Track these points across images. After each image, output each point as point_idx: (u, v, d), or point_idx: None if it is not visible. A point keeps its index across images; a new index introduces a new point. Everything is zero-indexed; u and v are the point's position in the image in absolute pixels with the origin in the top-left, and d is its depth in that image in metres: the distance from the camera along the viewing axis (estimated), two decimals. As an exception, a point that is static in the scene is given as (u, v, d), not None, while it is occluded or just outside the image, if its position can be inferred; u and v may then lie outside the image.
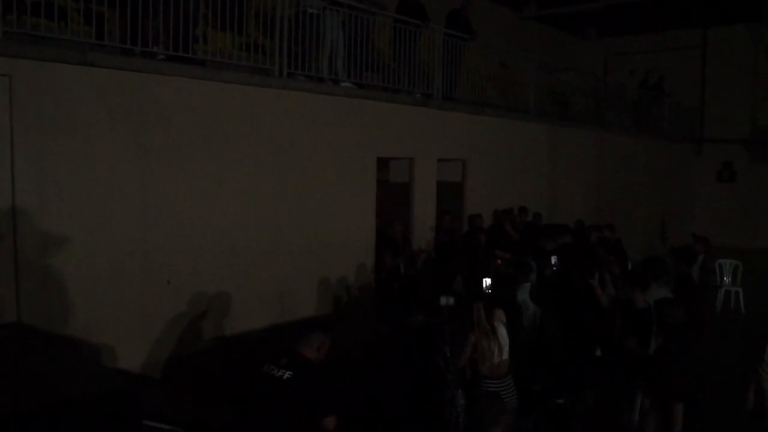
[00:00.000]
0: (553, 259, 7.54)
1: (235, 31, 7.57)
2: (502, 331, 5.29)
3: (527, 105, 12.96)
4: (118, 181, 6.26)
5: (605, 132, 15.63)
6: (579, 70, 17.21)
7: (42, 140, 5.72)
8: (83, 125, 5.99)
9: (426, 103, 10.02)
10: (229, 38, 7.72)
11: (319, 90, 8.24)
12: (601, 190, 15.42)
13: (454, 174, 11.07)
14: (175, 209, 6.70)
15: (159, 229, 6.57)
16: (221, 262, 7.11)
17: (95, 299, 6.11)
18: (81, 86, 5.98)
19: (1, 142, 5.46)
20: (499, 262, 8.64)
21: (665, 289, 6.55)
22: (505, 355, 5.29)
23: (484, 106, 11.65)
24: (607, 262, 7.90)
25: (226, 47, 7.65)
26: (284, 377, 3.99)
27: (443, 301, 5.25)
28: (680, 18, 19.88)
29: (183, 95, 6.75)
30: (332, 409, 4.05)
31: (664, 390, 4.95)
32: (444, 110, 10.32)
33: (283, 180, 7.76)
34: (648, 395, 5.27)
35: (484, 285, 5.82)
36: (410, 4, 10.21)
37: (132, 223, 6.38)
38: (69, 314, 5.93)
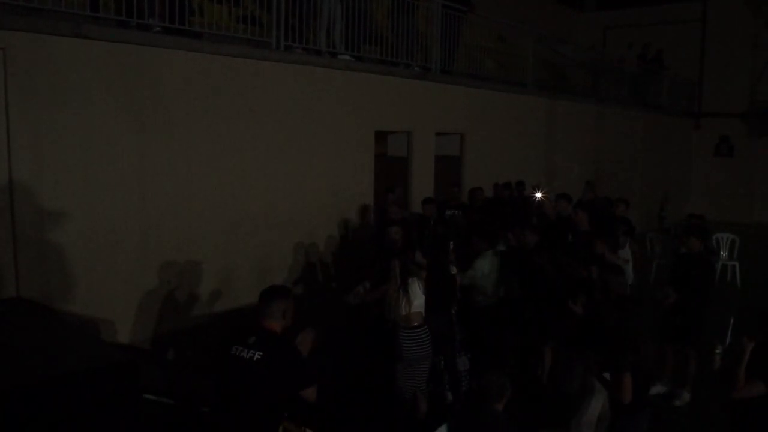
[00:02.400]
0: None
1: (231, 3, 7.48)
2: (414, 287, 5.76)
3: (525, 78, 12.88)
4: (115, 155, 6.22)
5: (603, 105, 15.57)
6: (578, 43, 17.09)
7: (38, 113, 5.66)
8: (79, 98, 5.92)
9: (424, 76, 9.94)
10: (226, 10, 7.63)
11: (316, 63, 8.16)
12: (599, 164, 15.40)
13: (452, 148, 11.03)
14: (171, 182, 6.67)
15: (155, 202, 6.55)
16: (218, 236, 7.11)
17: (93, 274, 6.10)
18: (76, 59, 5.91)
19: (-3, 115, 5.40)
20: None
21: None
22: (416, 309, 5.75)
23: (483, 80, 11.57)
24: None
25: (222, 19, 7.56)
26: (254, 358, 3.86)
27: None
28: (680, -10, 19.70)
29: (179, 68, 6.68)
30: (309, 380, 4.00)
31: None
32: (442, 83, 10.25)
33: (281, 154, 7.72)
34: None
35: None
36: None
37: (128, 197, 6.35)
38: (67, 289, 5.93)
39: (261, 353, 3.88)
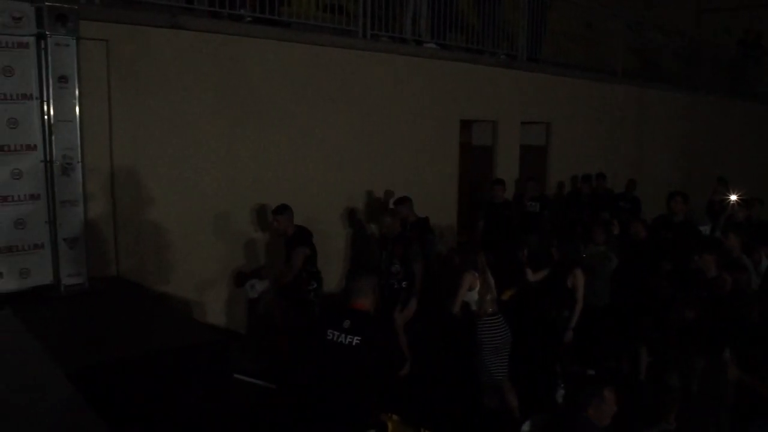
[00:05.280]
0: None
1: (319, -8, 7.58)
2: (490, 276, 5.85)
3: (614, 66, 12.45)
4: (206, 141, 6.42)
5: (697, 94, 14.87)
6: (670, 28, 16.37)
7: (136, 101, 5.91)
8: (173, 87, 6.14)
9: (510, 64, 9.77)
10: (313, 0, 7.72)
11: (402, 51, 8.16)
12: (691, 157, 14.74)
13: (538, 137, 10.81)
14: (258, 168, 6.82)
15: (243, 187, 6.71)
16: (303, 221, 7.19)
17: (185, 256, 6.33)
18: (171, 49, 6.13)
19: (99, 103, 5.66)
20: None
21: None
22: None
23: (570, 67, 11.26)
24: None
25: (309, 9, 7.65)
26: (353, 344, 3.86)
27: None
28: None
29: (268, 57, 6.82)
30: (404, 359, 4.06)
31: None
32: (528, 71, 10.04)
33: (366, 142, 7.77)
34: None
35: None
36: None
37: (218, 182, 6.54)
38: (162, 270, 6.18)
39: (359, 338, 3.87)
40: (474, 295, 5.70)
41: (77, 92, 5.20)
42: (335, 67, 7.40)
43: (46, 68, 5.09)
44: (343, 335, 3.91)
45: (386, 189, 7.99)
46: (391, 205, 7.38)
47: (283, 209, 6.22)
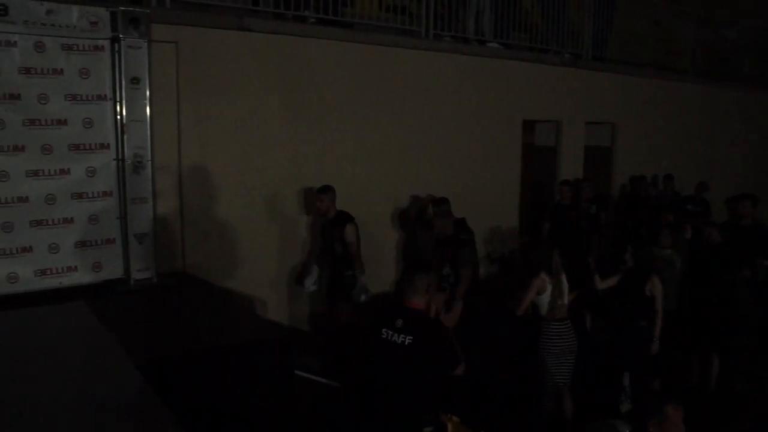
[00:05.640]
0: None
1: (381, -7, 7.62)
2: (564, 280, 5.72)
3: (684, 65, 12.08)
4: (271, 140, 6.52)
5: (774, 94, 14.27)
6: (745, 25, 15.74)
7: (203, 101, 6.05)
8: (239, 87, 6.27)
9: (575, 63, 9.60)
10: (375, 1, 7.76)
11: (465, 51, 8.12)
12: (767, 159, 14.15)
13: (603, 138, 10.57)
14: (321, 167, 6.87)
15: (307, 187, 6.78)
16: (365, 221, 7.22)
17: (249, 253, 6.44)
18: (237, 50, 6.25)
19: (168, 103, 5.82)
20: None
21: None
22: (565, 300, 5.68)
23: (637, 66, 10.97)
24: None
25: (372, 9, 7.69)
26: (405, 343, 3.88)
27: None
28: None
29: (332, 57, 6.89)
30: (457, 360, 4.01)
31: None
32: (593, 71, 9.84)
33: (427, 142, 7.75)
34: None
35: None
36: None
37: (282, 181, 6.64)
38: (227, 266, 6.30)
39: (411, 338, 3.88)
40: (545, 299, 5.58)
41: (148, 93, 5.39)
42: (398, 67, 7.42)
43: (119, 70, 5.29)
44: (396, 334, 3.94)
45: (446, 188, 7.94)
46: (430, 209, 7.08)
47: (327, 189, 6.25)
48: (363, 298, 6.32)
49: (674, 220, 8.22)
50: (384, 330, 4.00)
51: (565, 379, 5.64)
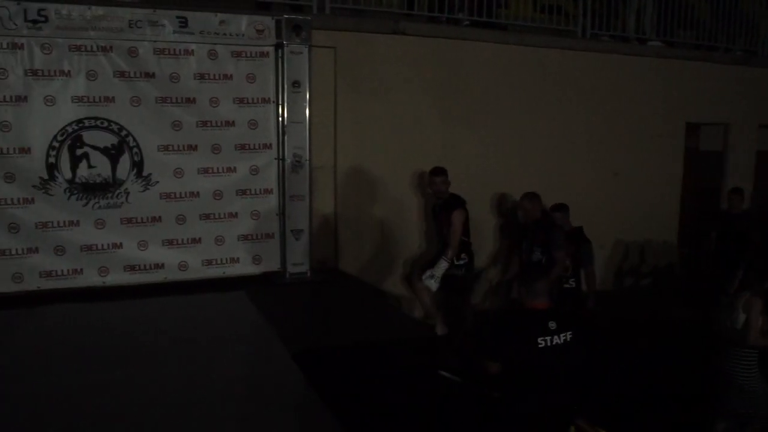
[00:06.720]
0: None
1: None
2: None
3: None
4: (422, 141, 6.60)
5: None
6: None
7: (359, 103, 6.27)
8: (394, 89, 6.42)
9: (747, 61, 8.88)
10: (531, 1, 7.63)
11: (624, 50, 7.80)
12: None
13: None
14: (476, 169, 6.85)
15: (460, 188, 6.71)
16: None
17: (400, 252, 6.58)
18: (392, 54, 6.41)
19: (326, 106, 6.09)
20: None
21: None
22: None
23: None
24: None
25: (527, 10, 7.57)
26: (568, 339, 3.82)
27: None
28: None
29: (486, 59, 6.87)
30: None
31: None
32: (769, 69, 9.06)
33: (584, 144, 7.51)
34: None
35: None
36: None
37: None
38: (377, 264, 6.47)
39: (570, 332, 3.84)
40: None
41: (308, 96, 5.66)
42: (553, 68, 7.26)
43: (282, 74, 5.60)
44: (554, 336, 3.84)
45: (601, 194, 7.65)
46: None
47: (442, 171, 6.02)
48: (434, 285, 5.82)
49: None
50: (540, 339, 3.86)
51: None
